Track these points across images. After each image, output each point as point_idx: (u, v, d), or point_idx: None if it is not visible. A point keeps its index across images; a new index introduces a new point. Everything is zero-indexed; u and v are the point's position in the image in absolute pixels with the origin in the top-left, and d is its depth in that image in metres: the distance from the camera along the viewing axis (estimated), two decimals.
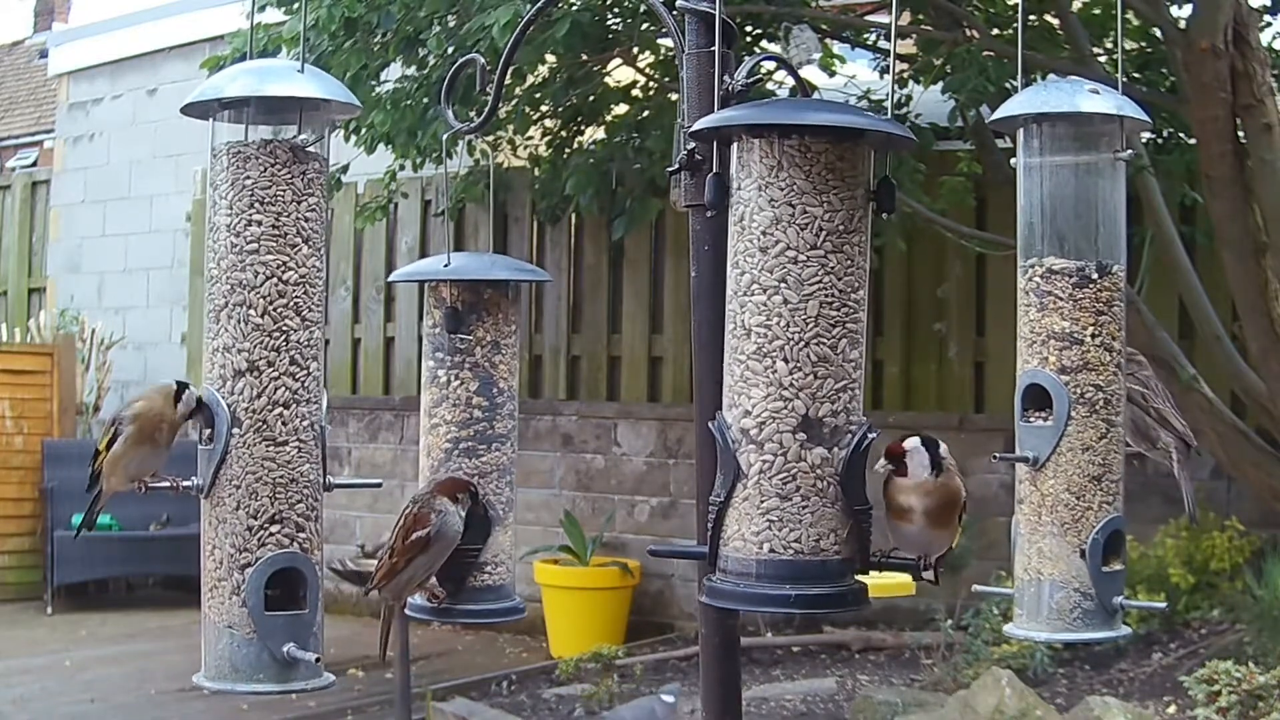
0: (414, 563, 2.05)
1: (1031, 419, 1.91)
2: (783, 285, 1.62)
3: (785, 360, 1.62)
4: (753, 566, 1.62)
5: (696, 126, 1.72)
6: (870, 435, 1.65)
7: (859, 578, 1.68)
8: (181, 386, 1.91)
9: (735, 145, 1.67)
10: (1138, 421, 2.08)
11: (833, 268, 1.63)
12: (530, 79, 6.69)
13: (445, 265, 2.13)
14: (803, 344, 1.62)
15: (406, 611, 2.17)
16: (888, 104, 1.86)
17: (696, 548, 1.71)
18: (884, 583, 1.81)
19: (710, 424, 1.68)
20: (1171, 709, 5.24)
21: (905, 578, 1.81)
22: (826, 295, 1.62)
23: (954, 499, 1.80)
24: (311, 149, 1.82)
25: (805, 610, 1.64)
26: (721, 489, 1.65)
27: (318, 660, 1.77)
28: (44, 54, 12.63)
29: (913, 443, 1.81)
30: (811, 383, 1.62)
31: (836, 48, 7.08)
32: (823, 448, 1.62)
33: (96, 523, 2.13)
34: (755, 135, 1.64)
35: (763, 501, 1.62)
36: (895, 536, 1.81)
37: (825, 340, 1.62)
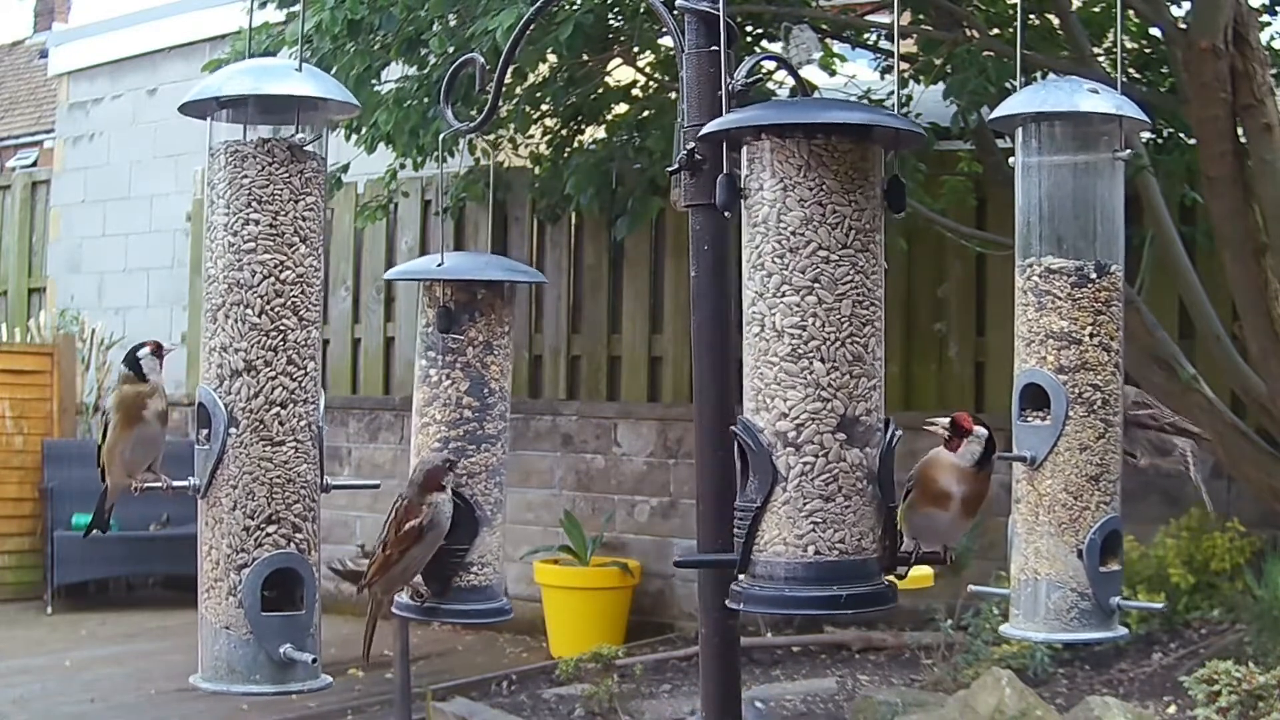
0: (408, 554, 2.04)
1: (1029, 418, 1.92)
2: (816, 285, 1.62)
3: (822, 360, 1.62)
4: (796, 570, 1.62)
5: (714, 126, 1.70)
6: (898, 433, 1.66)
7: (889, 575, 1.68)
8: (132, 358, 1.93)
9: (749, 145, 1.66)
10: (1153, 440, 2.09)
11: (862, 266, 1.63)
12: (531, 78, 6.69)
13: (439, 264, 2.13)
14: (838, 343, 1.62)
15: (393, 610, 2.17)
16: (889, 103, 1.85)
17: (725, 555, 1.70)
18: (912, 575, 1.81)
19: (734, 428, 1.67)
20: (1171, 709, 5.24)
21: (926, 570, 1.81)
22: (858, 294, 1.63)
23: (987, 492, 1.82)
24: (309, 148, 1.82)
25: (856, 610, 1.64)
26: (756, 494, 1.63)
27: (314, 661, 1.77)
28: (44, 54, 12.63)
29: (980, 431, 1.83)
30: (848, 382, 1.62)
31: (836, 48, 7.08)
32: (858, 447, 1.63)
33: (110, 524, 2.12)
34: (780, 135, 1.63)
35: (805, 504, 1.62)
36: (917, 525, 1.80)
37: (858, 339, 1.63)
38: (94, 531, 2.13)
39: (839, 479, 1.62)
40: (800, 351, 1.62)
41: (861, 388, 1.63)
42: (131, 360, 1.98)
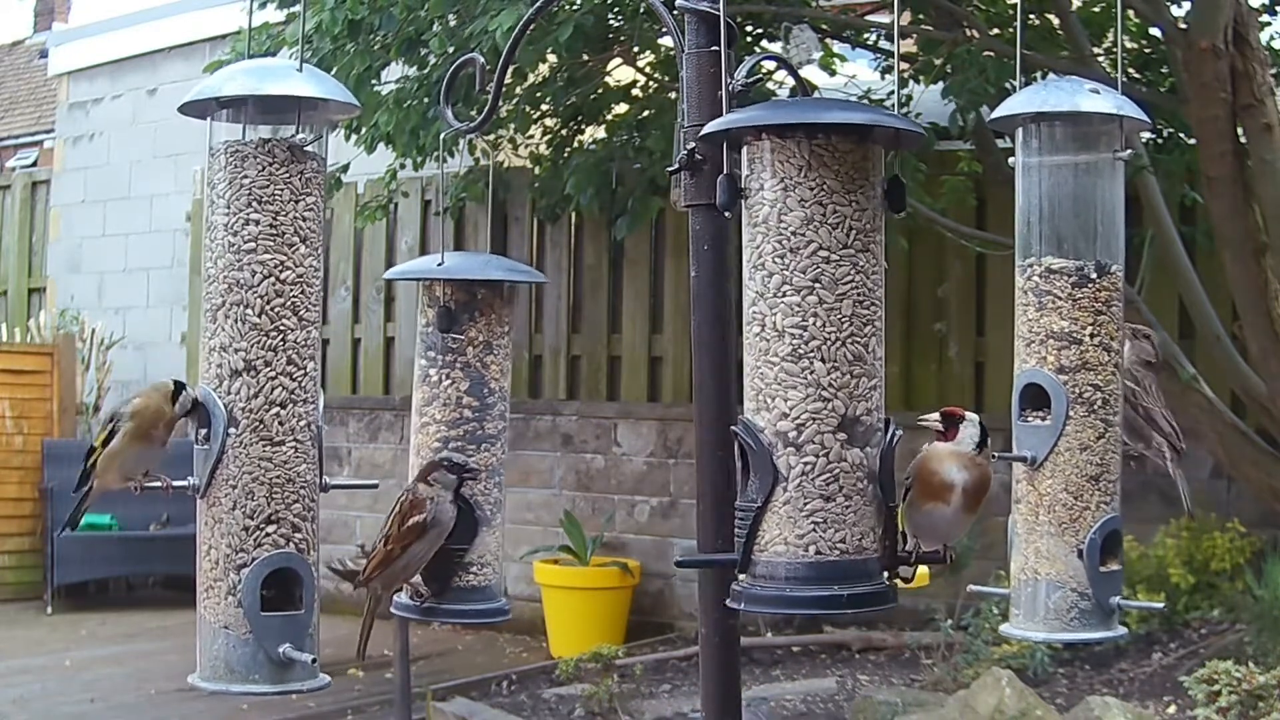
0: (410, 549, 2.04)
1: (1029, 418, 1.91)
2: (817, 285, 1.62)
3: (823, 360, 1.62)
4: (797, 570, 1.62)
5: (715, 126, 1.70)
6: (898, 432, 1.66)
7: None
8: (179, 386, 1.92)
9: (749, 146, 1.66)
10: (1129, 419, 2.07)
11: (862, 266, 1.63)
12: (531, 78, 6.69)
13: (439, 264, 2.13)
14: (839, 343, 1.62)
15: (392, 610, 2.16)
16: (889, 103, 1.85)
17: (726, 555, 1.70)
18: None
19: (734, 428, 1.67)
20: (1171, 709, 5.24)
21: (922, 569, 1.82)
22: (858, 294, 1.63)
23: (989, 481, 1.82)
24: (309, 148, 1.82)
25: (858, 610, 1.65)
26: (757, 494, 1.64)
27: (313, 661, 1.77)
28: (44, 54, 12.62)
29: (972, 416, 1.84)
30: (849, 382, 1.63)
31: (836, 47, 7.08)
32: (859, 447, 1.63)
33: (81, 522, 2.10)
34: (781, 135, 1.63)
35: (806, 504, 1.62)
36: (918, 523, 1.79)
37: (859, 339, 1.63)
38: (67, 530, 2.12)
39: (840, 479, 1.62)
40: (801, 351, 1.62)
41: (862, 387, 1.63)
42: (179, 385, 1.95)
